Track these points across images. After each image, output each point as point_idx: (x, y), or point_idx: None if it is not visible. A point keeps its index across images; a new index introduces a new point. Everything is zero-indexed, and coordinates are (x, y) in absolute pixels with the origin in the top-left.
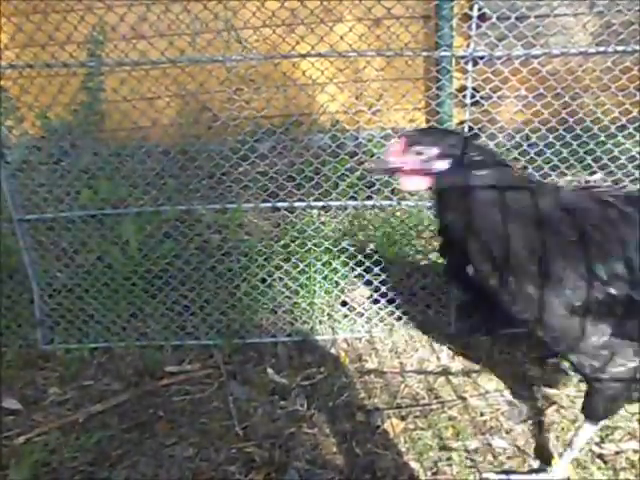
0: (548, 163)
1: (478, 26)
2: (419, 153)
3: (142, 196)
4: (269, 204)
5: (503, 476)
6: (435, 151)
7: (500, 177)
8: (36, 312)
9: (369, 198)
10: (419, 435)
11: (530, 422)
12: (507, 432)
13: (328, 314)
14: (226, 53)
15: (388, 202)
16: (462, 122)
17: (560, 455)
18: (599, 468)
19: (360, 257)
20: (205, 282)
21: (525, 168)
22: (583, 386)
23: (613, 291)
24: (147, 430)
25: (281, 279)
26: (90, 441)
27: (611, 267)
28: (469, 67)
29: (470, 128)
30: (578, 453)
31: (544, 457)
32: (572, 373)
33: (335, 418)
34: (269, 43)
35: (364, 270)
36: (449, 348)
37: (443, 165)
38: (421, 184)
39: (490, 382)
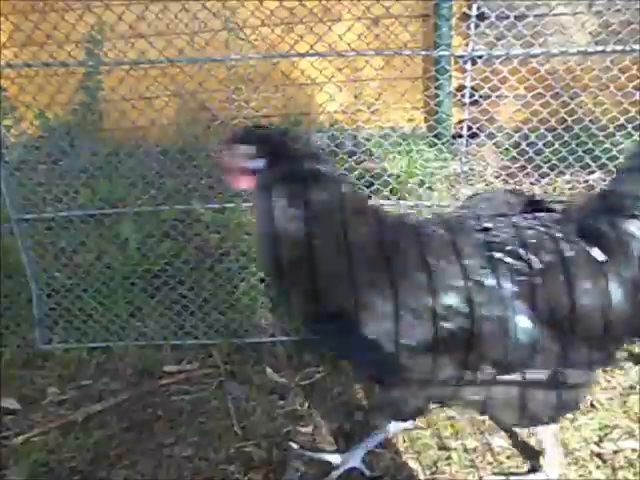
0: (547, 162)
1: (477, 25)
2: (242, 152)
3: (141, 196)
4: None
5: (502, 477)
6: (252, 150)
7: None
8: (35, 312)
9: (368, 197)
10: (418, 434)
11: None
12: (506, 431)
13: None
14: (225, 52)
15: (387, 202)
16: (461, 121)
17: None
18: (598, 467)
19: None
20: (204, 281)
21: (524, 167)
22: None
23: (451, 326)
24: (146, 430)
25: None
26: (89, 441)
27: (445, 300)
28: (468, 66)
29: (469, 127)
30: (578, 452)
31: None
32: None
33: (334, 417)
34: (268, 42)
35: None
36: None
37: (260, 164)
38: (245, 183)
39: None
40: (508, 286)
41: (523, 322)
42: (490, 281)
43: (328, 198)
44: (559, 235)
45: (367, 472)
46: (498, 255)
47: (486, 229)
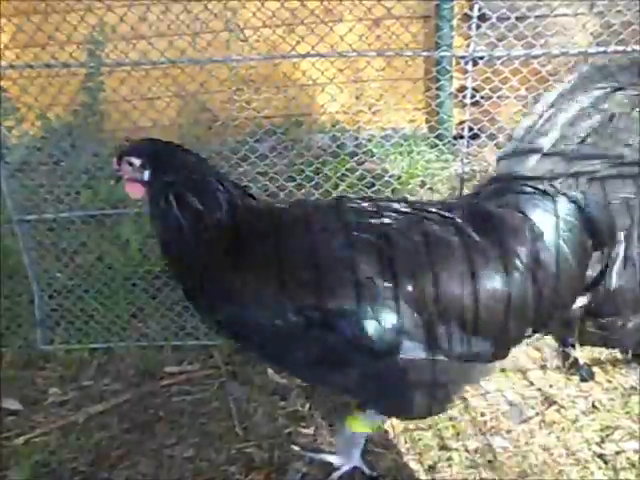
0: None
1: (478, 26)
2: (130, 163)
3: None
4: None
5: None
6: (138, 161)
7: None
8: (36, 312)
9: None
10: (419, 435)
11: (530, 422)
12: (507, 432)
13: None
14: (226, 53)
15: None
16: (462, 122)
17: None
18: (599, 468)
19: None
20: None
21: None
22: (584, 386)
23: (305, 306)
24: (147, 430)
25: None
26: (90, 442)
27: (299, 279)
28: (469, 67)
29: (470, 128)
30: (579, 453)
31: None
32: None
33: (335, 418)
34: (269, 43)
35: None
36: None
37: (146, 175)
38: (138, 192)
39: (490, 382)
40: (371, 268)
41: (384, 306)
42: (349, 262)
43: (210, 206)
44: (439, 219)
45: (367, 471)
46: (364, 236)
47: (358, 210)
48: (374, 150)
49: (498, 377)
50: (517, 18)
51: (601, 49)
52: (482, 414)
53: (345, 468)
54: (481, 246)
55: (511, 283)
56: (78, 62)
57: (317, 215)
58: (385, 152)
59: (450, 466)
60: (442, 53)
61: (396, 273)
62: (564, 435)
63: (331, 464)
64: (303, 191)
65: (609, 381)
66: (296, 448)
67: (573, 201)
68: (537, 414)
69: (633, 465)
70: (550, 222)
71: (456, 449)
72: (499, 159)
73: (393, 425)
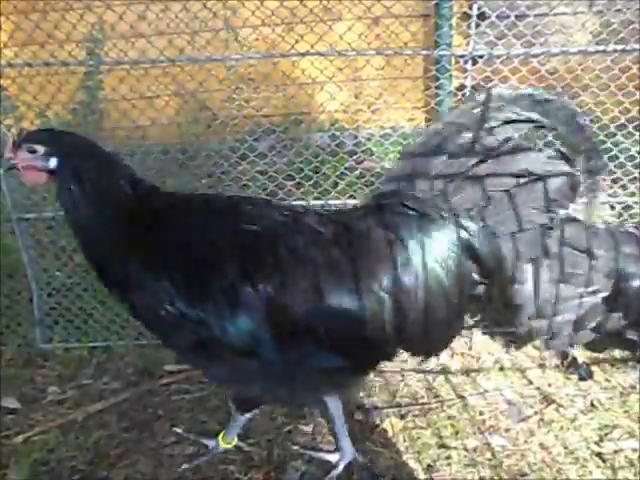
0: None
1: (477, 25)
2: (30, 150)
3: None
4: None
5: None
6: (43, 149)
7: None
8: (35, 311)
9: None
10: (418, 434)
11: (529, 421)
12: (506, 431)
13: None
14: (225, 52)
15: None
16: None
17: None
18: (598, 467)
19: None
20: None
21: None
22: (583, 385)
23: (174, 302)
24: (146, 429)
25: None
26: (89, 440)
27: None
28: (468, 66)
29: None
30: (578, 452)
31: (539, 456)
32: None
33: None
34: (268, 42)
35: None
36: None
37: (53, 163)
38: (38, 180)
39: (489, 381)
40: (235, 273)
41: (243, 311)
42: (217, 263)
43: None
44: (309, 232)
45: (360, 458)
46: (234, 240)
47: (239, 213)
48: (373, 149)
49: (497, 376)
50: (516, 17)
51: (600, 48)
52: (481, 413)
53: (342, 465)
54: (340, 265)
55: (364, 305)
56: (77, 60)
57: (205, 213)
58: (384, 151)
59: (449, 465)
60: (441, 52)
61: (255, 281)
62: (563, 434)
63: (330, 462)
64: (302, 190)
65: (608, 380)
66: (295, 446)
67: (457, 226)
68: (536, 413)
69: (631, 464)
70: (425, 246)
71: (455, 448)
72: (387, 176)
73: (392, 424)
